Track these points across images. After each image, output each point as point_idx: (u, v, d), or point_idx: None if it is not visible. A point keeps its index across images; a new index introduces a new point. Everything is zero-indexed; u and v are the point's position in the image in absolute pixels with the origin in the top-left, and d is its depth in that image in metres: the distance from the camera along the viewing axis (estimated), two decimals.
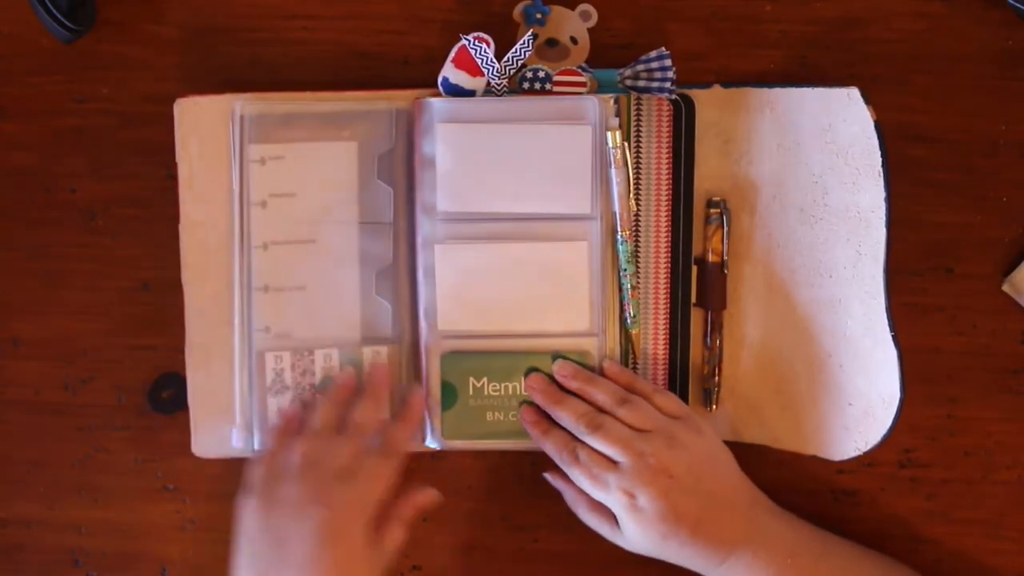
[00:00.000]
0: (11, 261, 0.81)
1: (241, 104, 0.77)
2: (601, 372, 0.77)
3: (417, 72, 0.78)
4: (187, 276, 0.78)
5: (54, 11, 0.76)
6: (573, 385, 0.76)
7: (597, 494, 0.73)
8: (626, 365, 0.78)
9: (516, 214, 0.76)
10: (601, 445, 0.73)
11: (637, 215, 0.77)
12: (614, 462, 0.72)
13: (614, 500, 0.72)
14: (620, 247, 0.76)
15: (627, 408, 0.74)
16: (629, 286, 0.77)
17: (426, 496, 0.76)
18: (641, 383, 0.77)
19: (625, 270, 0.76)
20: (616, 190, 0.76)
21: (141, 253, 0.81)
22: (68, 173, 0.81)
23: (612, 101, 0.76)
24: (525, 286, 0.76)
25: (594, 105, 0.75)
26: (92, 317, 0.81)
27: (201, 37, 0.80)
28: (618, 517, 0.73)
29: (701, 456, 0.73)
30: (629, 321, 0.77)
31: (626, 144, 0.76)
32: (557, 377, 0.77)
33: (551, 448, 0.75)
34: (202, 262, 0.78)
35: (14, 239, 0.81)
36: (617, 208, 0.76)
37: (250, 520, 0.73)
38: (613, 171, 0.76)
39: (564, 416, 0.75)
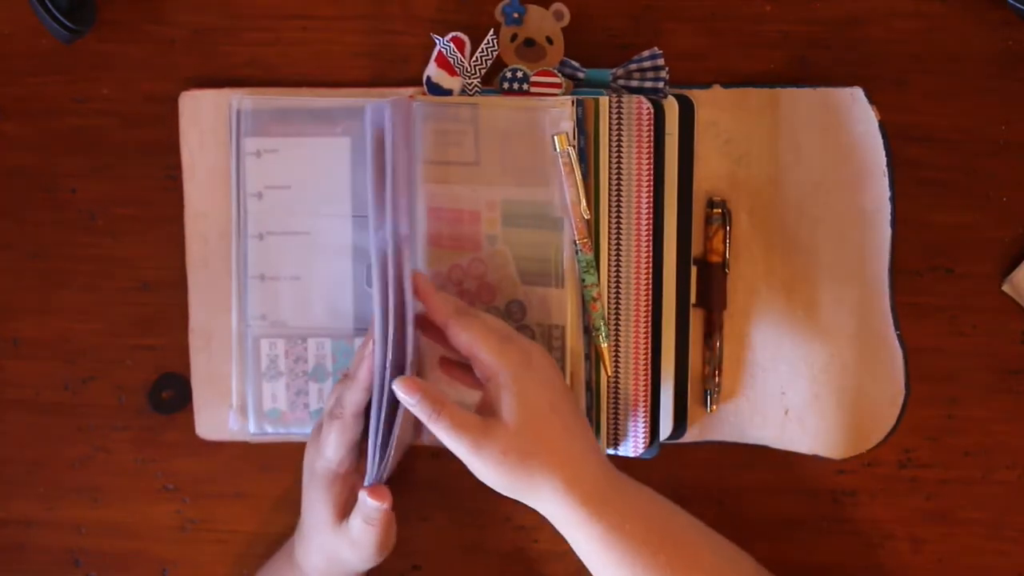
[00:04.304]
0: (11, 261, 0.81)
1: (238, 98, 0.77)
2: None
3: (417, 72, 0.78)
4: (190, 262, 0.79)
5: (54, 11, 0.76)
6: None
7: (488, 357, 0.67)
8: (596, 381, 0.75)
9: None
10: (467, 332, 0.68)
11: (618, 220, 0.74)
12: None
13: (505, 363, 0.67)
14: (576, 256, 0.74)
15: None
16: (590, 298, 0.74)
17: (375, 497, 0.70)
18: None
19: (583, 280, 0.74)
20: (567, 197, 0.73)
21: (141, 253, 0.81)
22: (68, 173, 0.81)
23: (571, 103, 0.73)
24: None
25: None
26: (92, 317, 0.81)
27: (201, 37, 0.80)
28: (498, 400, 0.67)
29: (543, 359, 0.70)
30: (594, 333, 0.74)
31: (571, 149, 0.72)
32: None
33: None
34: (204, 249, 0.79)
35: (14, 239, 0.81)
36: (571, 216, 0.73)
37: None
38: (563, 177, 0.73)
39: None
